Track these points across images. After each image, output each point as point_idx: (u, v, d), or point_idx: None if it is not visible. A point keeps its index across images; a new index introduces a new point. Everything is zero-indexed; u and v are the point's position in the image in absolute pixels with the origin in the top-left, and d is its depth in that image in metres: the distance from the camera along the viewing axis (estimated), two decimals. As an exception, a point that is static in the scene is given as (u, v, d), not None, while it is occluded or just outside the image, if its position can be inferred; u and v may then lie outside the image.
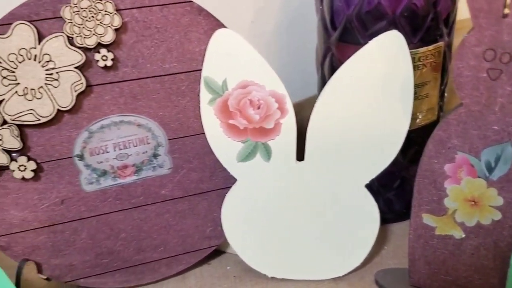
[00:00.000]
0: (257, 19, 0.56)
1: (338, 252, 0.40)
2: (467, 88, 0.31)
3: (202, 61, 0.36)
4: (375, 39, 0.35)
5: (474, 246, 0.35)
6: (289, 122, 0.37)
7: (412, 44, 0.39)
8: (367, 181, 0.38)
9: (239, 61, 0.36)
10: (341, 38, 0.40)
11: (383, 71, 0.36)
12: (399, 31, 0.35)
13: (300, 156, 0.38)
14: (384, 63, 0.35)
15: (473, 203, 0.34)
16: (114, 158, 0.37)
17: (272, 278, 0.41)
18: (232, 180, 0.39)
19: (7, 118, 0.34)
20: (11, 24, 0.32)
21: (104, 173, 0.37)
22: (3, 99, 0.33)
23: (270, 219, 0.39)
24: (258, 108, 0.37)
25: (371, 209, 0.39)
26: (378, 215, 0.39)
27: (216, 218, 0.41)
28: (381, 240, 0.44)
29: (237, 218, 0.40)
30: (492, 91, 0.31)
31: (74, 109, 0.35)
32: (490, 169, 0.33)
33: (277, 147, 0.37)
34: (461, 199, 0.35)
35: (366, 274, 0.41)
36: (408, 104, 0.36)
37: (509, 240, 0.34)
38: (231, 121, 0.37)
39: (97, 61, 0.34)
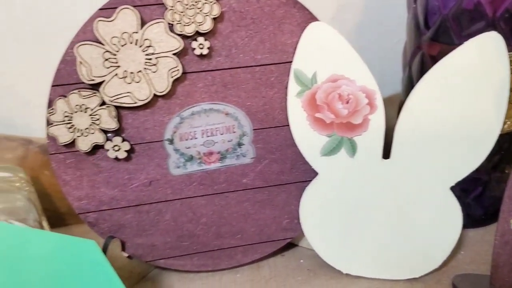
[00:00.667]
0: (338, 16, 0.56)
1: (416, 253, 0.40)
2: None
3: (293, 54, 0.37)
4: (472, 40, 0.34)
5: None
6: (378, 119, 0.37)
7: (509, 46, 0.38)
8: (452, 183, 0.37)
9: (331, 54, 0.36)
10: (434, 38, 0.40)
11: (478, 73, 0.35)
12: (498, 33, 0.34)
13: (384, 153, 0.38)
14: (480, 65, 0.35)
15: None
16: (201, 145, 0.38)
17: (347, 274, 0.41)
18: (312, 174, 0.39)
19: (106, 99, 0.35)
20: (116, 8, 0.34)
21: (191, 158, 0.38)
22: (104, 81, 0.34)
23: (350, 215, 0.39)
24: (347, 102, 0.37)
25: (454, 212, 0.38)
26: (461, 219, 0.38)
27: (294, 211, 0.41)
28: (458, 244, 0.43)
29: (315, 212, 0.40)
30: None
31: (168, 95, 0.36)
32: None
33: (363, 143, 0.37)
34: (555, 207, 0.34)
35: (443, 277, 0.40)
36: (501, 107, 0.36)
37: None
38: (317, 115, 0.37)
39: (194, 49, 0.35)
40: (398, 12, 0.54)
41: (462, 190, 0.43)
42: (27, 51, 0.48)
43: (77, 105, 0.35)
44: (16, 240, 0.31)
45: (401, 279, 0.40)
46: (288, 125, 0.38)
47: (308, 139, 0.38)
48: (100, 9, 0.34)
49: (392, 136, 0.37)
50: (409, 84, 0.43)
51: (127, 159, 0.37)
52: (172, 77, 0.35)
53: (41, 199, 0.46)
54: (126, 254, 0.40)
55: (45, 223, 0.37)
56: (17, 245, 0.31)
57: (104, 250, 0.38)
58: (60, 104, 0.35)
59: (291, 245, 0.45)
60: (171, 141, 0.38)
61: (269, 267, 0.43)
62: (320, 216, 0.40)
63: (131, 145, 0.37)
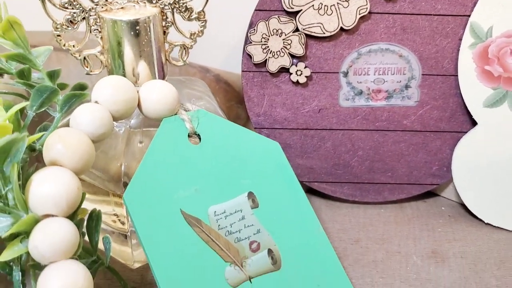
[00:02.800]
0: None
1: None
2: None
3: (471, 8, 0.39)
4: None
5: None
6: (547, 76, 0.39)
7: None
8: None
9: (510, 11, 0.38)
10: None
11: None
12: None
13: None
14: None
15: None
16: (371, 81, 0.42)
17: (487, 224, 0.43)
18: (469, 126, 0.42)
19: (300, 27, 0.40)
20: None
21: (360, 92, 0.42)
22: (301, 10, 0.39)
23: (502, 168, 0.41)
24: (519, 58, 0.39)
25: None
26: None
27: (445, 159, 0.44)
28: None
29: (468, 161, 0.42)
30: None
31: (352, 30, 0.40)
32: None
33: (528, 99, 0.40)
34: None
35: None
36: None
37: None
38: (486, 67, 0.40)
39: (383, -9, 0.39)
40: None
41: None
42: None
43: (274, 29, 0.40)
44: (213, 126, 0.36)
45: (543, 238, 0.42)
46: (455, 76, 0.41)
47: (473, 89, 0.40)
48: None
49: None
50: None
51: (304, 85, 0.42)
52: (359, 14, 0.39)
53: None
54: (286, 172, 0.45)
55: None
56: (214, 130, 0.36)
57: (271, 163, 0.43)
58: (260, 26, 0.40)
59: (432, 194, 0.47)
60: (345, 74, 0.42)
61: (411, 208, 0.46)
62: (472, 165, 0.42)
63: (311, 72, 0.41)
